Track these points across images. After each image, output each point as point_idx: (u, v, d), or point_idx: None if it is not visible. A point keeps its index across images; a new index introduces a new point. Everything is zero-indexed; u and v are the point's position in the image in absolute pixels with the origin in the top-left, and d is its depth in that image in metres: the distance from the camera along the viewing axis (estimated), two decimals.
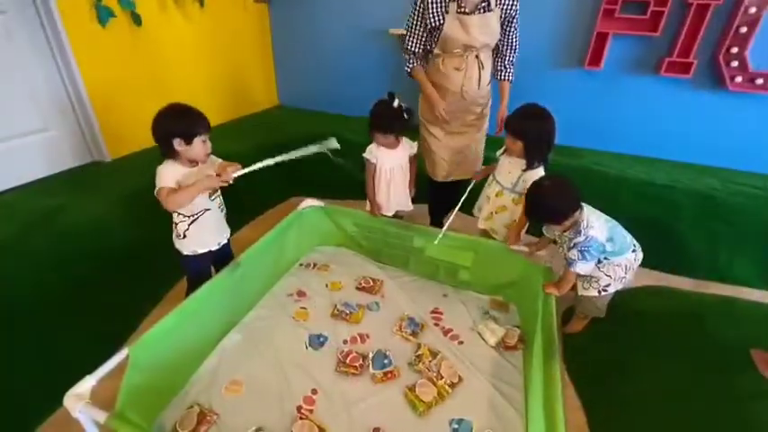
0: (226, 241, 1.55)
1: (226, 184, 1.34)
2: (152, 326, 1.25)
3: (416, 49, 1.79)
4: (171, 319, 1.28)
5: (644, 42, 2.44)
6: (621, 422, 1.31)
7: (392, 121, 1.69)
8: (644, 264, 1.50)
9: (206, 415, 1.26)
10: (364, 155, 1.81)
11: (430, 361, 1.44)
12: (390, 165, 1.80)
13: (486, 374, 1.44)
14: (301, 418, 1.26)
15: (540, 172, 1.60)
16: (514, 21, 1.70)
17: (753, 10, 2.10)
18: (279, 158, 1.43)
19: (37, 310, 1.52)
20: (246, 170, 1.36)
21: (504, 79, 1.83)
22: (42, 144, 2.12)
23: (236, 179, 1.35)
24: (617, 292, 1.50)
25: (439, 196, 2.08)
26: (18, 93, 1.97)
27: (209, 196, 1.42)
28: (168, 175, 1.29)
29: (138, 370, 1.14)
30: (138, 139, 2.36)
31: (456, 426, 1.26)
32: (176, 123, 1.27)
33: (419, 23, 1.73)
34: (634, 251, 1.44)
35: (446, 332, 1.62)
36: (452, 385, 1.37)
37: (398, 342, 1.57)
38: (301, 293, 1.84)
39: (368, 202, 1.96)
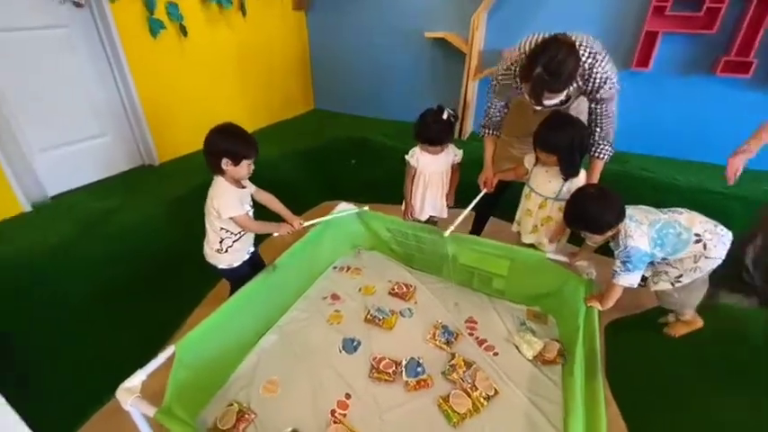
0: (254, 248, 1.60)
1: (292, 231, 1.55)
2: (196, 324, 1.31)
3: (494, 120, 1.69)
4: (214, 318, 1.33)
5: (698, 41, 2.30)
6: None
7: (441, 133, 1.69)
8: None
9: (245, 413, 1.30)
10: (406, 157, 1.81)
11: (464, 371, 1.42)
12: (430, 170, 1.79)
13: (523, 388, 1.40)
14: (335, 422, 1.28)
15: (582, 176, 1.56)
16: (604, 103, 1.42)
17: None
18: (329, 217, 1.83)
19: (91, 307, 1.62)
20: (308, 223, 1.62)
21: (593, 155, 1.54)
22: (99, 149, 2.27)
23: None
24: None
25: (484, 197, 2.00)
26: (79, 101, 2.13)
27: (251, 211, 1.48)
28: (235, 202, 1.37)
29: (183, 367, 1.20)
30: (184, 143, 2.49)
31: None
32: (228, 144, 1.32)
33: (497, 100, 1.64)
34: (699, 241, 1.33)
35: (480, 342, 1.59)
36: (488, 398, 1.34)
37: (432, 350, 1.56)
38: (335, 297, 1.86)
39: (403, 204, 1.97)
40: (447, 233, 1.71)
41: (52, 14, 1.94)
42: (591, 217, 1.33)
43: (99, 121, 2.23)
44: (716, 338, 1.56)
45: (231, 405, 1.33)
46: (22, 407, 1.08)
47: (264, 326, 1.64)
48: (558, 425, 1.27)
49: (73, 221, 1.87)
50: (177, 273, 1.86)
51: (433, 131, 1.70)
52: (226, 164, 1.32)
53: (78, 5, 2.00)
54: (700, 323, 1.56)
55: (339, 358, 1.54)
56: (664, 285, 1.42)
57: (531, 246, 1.75)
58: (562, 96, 1.30)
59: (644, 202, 1.49)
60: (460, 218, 1.72)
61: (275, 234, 1.51)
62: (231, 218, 1.37)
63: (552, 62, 1.19)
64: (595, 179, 1.57)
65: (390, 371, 1.44)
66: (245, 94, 3.02)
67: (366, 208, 1.97)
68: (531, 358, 1.50)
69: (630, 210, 1.35)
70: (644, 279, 1.57)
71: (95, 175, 2.28)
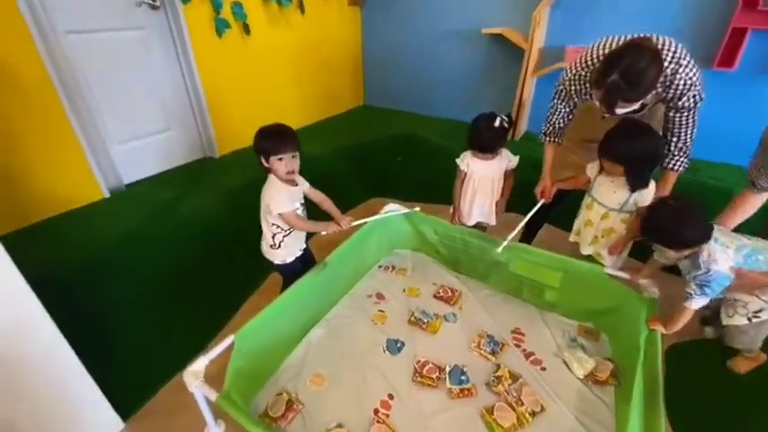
0: (305, 246, 1.65)
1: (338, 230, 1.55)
2: (250, 311, 1.39)
3: (556, 127, 1.62)
4: (269, 311, 1.40)
5: None
6: None
7: (492, 140, 1.64)
8: None
9: (293, 403, 1.37)
10: (457, 161, 1.78)
11: (510, 384, 1.40)
12: (480, 175, 1.75)
13: (571, 407, 1.35)
14: (378, 422, 1.31)
15: (652, 187, 1.45)
16: (685, 112, 1.32)
17: None
18: (378, 216, 1.84)
19: (158, 287, 1.76)
20: (357, 222, 1.63)
21: (667, 167, 1.44)
22: (166, 142, 2.44)
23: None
24: None
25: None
26: (151, 97, 2.29)
27: (303, 209, 1.53)
28: (284, 199, 1.42)
29: (241, 355, 1.28)
30: (242, 137, 2.61)
31: None
32: (261, 142, 1.38)
33: (562, 105, 1.57)
34: None
35: (527, 355, 1.55)
36: (533, 414, 1.31)
37: (476, 359, 1.54)
38: (380, 296, 1.89)
39: (452, 207, 1.95)
40: (500, 249, 1.65)
41: (131, 17, 2.09)
42: (670, 231, 1.21)
43: (168, 116, 2.39)
44: None
45: (281, 394, 1.40)
46: (98, 378, 1.22)
47: (312, 320, 1.71)
48: None
49: (143, 209, 2.04)
50: (235, 261, 1.97)
51: (485, 139, 1.65)
52: (264, 162, 1.39)
53: (154, 8, 2.14)
54: (763, 357, 1.44)
55: (383, 358, 1.56)
56: (739, 320, 1.29)
57: (589, 257, 1.67)
58: (636, 105, 1.21)
59: (713, 214, 1.37)
60: (515, 232, 1.66)
61: (323, 233, 1.53)
62: (279, 214, 1.42)
63: (631, 70, 1.10)
64: (667, 192, 1.46)
65: (434, 376, 1.45)
66: (300, 90, 3.10)
67: (417, 209, 1.96)
68: (581, 377, 1.44)
69: (716, 232, 1.24)
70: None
71: (163, 165, 2.45)
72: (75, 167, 1.97)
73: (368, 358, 1.56)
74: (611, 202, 1.51)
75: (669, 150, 1.41)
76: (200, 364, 1.19)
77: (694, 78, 1.23)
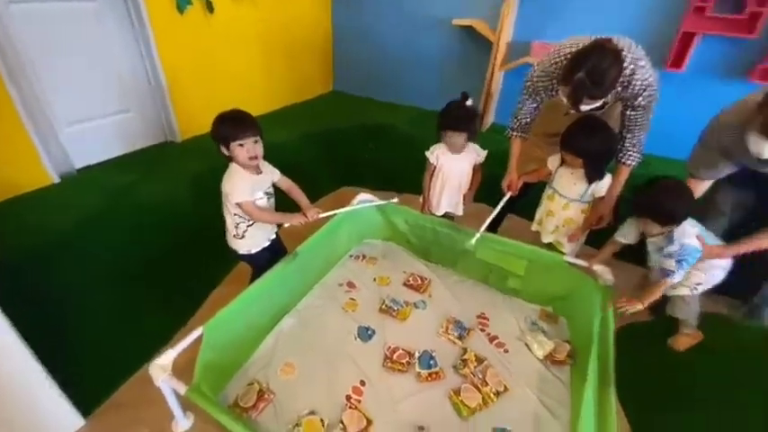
0: (275, 236, 1.62)
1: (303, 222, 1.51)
2: (218, 301, 1.35)
3: (523, 122, 1.66)
4: (239, 301, 1.38)
5: (736, 45, 2.23)
6: None
7: (463, 120, 1.65)
8: (720, 291, 1.48)
9: (264, 393, 1.36)
10: (426, 153, 1.80)
11: (475, 367, 1.47)
12: (449, 168, 1.78)
13: (532, 387, 1.44)
14: (350, 408, 1.33)
15: (607, 179, 1.57)
16: (641, 110, 1.39)
17: None
18: (347, 209, 1.83)
19: (115, 279, 1.68)
20: (325, 214, 1.59)
21: (621, 161, 1.51)
22: (123, 124, 2.30)
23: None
24: None
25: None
26: (106, 76, 2.14)
27: (268, 199, 1.48)
28: (244, 188, 1.36)
29: (210, 347, 1.25)
30: (205, 121, 2.47)
31: None
32: (218, 128, 1.33)
33: (530, 101, 1.60)
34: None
35: (491, 339, 1.63)
36: (497, 394, 1.39)
37: (444, 344, 1.60)
38: (351, 284, 1.90)
39: (421, 197, 1.97)
40: (473, 241, 1.70)
41: None
42: (669, 208, 1.30)
43: (124, 96, 2.25)
44: (721, 350, 1.58)
45: (252, 384, 1.39)
46: (55, 372, 1.15)
47: (283, 310, 1.69)
48: (565, 424, 1.32)
49: (98, 193, 1.92)
50: (199, 249, 1.90)
51: (454, 115, 1.65)
52: (224, 149, 1.34)
53: None
54: (700, 335, 1.60)
55: (354, 345, 1.58)
56: (683, 291, 1.45)
57: (549, 245, 1.76)
58: (599, 103, 1.28)
59: None
60: (486, 224, 1.72)
61: (286, 225, 1.49)
62: (237, 204, 1.37)
63: (596, 69, 1.17)
64: (620, 184, 1.56)
65: (404, 361, 1.49)
66: (267, 73, 3.00)
67: (396, 200, 1.96)
68: (541, 358, 1.53)
69: None
70: None
71: (119, 149, 2.31)
72: (19, 150, 1.81)
73: (339, 346, 1.57)
74: (571, 194, 1.60)
75: (623, 146, 1.50)
76: (167, 358, 1.16)
77: (651, 79, 1.32)
